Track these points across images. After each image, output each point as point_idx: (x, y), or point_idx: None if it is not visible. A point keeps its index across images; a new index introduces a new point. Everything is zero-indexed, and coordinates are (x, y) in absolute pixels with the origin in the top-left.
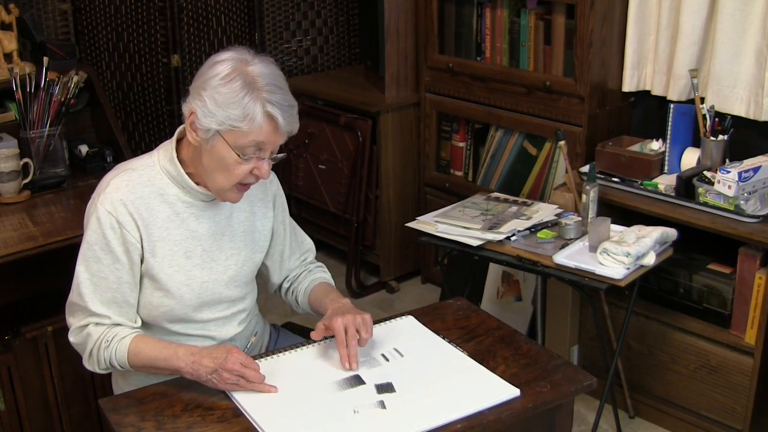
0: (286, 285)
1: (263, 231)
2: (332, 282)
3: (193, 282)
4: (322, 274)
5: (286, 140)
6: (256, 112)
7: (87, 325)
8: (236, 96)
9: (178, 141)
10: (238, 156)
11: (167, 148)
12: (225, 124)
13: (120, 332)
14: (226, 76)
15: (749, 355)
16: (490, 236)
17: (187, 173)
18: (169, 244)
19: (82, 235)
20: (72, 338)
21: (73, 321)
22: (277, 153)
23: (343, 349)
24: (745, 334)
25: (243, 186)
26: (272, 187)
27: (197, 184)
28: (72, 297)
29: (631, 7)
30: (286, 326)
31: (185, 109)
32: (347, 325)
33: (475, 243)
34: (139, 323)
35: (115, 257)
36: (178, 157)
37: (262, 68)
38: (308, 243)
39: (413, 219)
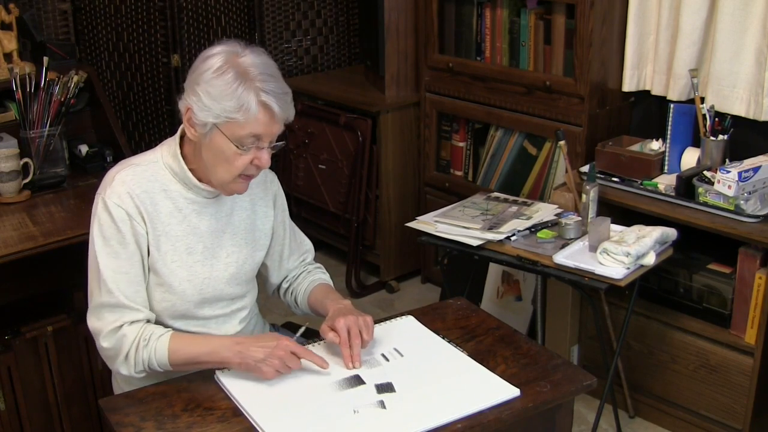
0: (285, 285)
1: (264, 230)
2: (331, 283)
3: (194, 278)
4: (321, 275)
5: (285, 132)
6: (250, 103)
7: (121, 326)
8: (230, 88)
9: (182, 137)
10: (237, 148)
11: (171, 144)
12: (221, 117)
13: (156, 330)
14: (218, 68)
15: (749, 355)
16: (490, 236)
17: (190, 169)
18: (172, 240)
19: (82, 234)
20: (105, 343)
21: (104, 324)
22: (277, 142)
23: (346, 349)
24: (745, 334)
25: (246, 177)
26: (273, 187)
27: (200, 180)
28: (99, 299)
29: (631, 7)
30: (286, 326)
31: (181, 106)
32: (350, 326)
33: (475, 243)
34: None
35: (131, 251)
36: (181, 153)
37: (253, 59)
38: (307, 244)
39: (413, 219)
